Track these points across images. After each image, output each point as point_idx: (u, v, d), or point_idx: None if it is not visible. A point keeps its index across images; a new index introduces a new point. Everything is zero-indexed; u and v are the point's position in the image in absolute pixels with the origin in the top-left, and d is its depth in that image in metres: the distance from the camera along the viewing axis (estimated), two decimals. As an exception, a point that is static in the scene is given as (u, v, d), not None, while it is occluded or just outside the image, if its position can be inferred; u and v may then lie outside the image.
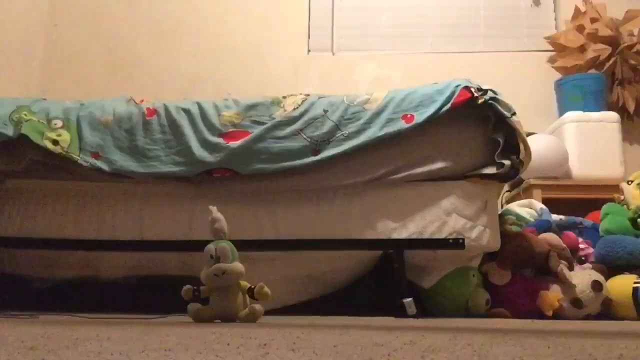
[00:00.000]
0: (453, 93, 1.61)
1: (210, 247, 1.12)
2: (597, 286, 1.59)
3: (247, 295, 1.15)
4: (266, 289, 1.13)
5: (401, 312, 1.48)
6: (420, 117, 1.60)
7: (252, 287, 1.13)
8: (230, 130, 1.66)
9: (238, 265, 1.12)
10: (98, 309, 1.49)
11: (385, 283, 1.62)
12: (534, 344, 0.55)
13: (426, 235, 1.58)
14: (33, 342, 0.51)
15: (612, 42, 2.80)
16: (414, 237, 1.58)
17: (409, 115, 1.61)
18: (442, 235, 1.57)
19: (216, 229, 1.16)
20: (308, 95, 1.75)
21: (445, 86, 1.65)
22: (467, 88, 1.62)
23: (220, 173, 1.63)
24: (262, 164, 1.61)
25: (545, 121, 2.80)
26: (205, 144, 1.65)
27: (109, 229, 1.68)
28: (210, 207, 1.18)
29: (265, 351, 0.47)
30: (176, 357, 0.42)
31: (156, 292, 1.63)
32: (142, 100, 1.83)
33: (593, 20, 2.85)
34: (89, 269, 1.72)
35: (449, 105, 1.59)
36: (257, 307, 1.11)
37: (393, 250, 1.58)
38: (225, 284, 1.10)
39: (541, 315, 1.59)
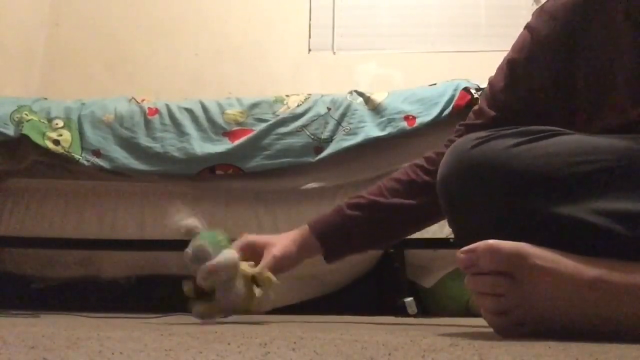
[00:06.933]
0: (453, 96, 1.62)
1: (187, 251, 0.96)
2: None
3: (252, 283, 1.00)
4: (268, 274, 0.97)
5: (402, 312, 1.48)
6: (422, 120, 1.60)
7: (254, 275, 0.98)
8: (235, 128, 1.66)
9: (226, 254, 0.95)
10: (98, 309, 1.49)
11: (386, 283, 1.62)
12: (535, 343, 0.55)
13: (427, 235, 1.58)
14: (33, 342, 0.51)
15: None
16: (414, 236, 1.58)
17: (410, 117, 1.62)
18: (443, 235, 1.57)
19: (188, 227, 0.98)
20: (310, 94, 1.75)
21: (445, 88, 1.65)
22: (466, 89, 1.62)
23: (223, 170, 1.63)
24: (265, 160, 1.62)
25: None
26: (208, 141, 1.65)
27: (110, 228, 1.68)
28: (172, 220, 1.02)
29: (266, 350, 0.47)
30: (177, 356, 0.42)
31: (156, 291, 1.63)
32: (143, 100, 1.83)
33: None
34: (90, 268, 1.72)
35: (450, 108, 1.60)
36: (258, 290, 0.97)
37: (393, 250, 1.58)
38: (223, 278, 0.96)
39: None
